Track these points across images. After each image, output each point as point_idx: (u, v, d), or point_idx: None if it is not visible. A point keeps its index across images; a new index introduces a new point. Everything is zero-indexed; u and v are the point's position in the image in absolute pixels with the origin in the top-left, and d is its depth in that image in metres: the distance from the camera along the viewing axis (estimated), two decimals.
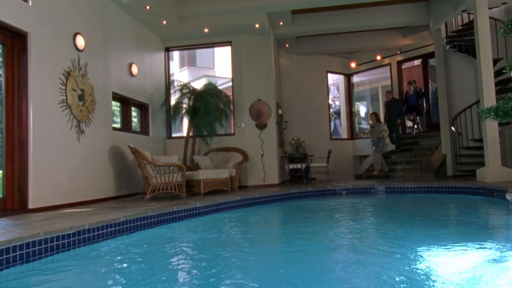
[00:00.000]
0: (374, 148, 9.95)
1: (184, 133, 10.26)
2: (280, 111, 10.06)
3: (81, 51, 6.38)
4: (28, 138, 5.25)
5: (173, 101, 9.47)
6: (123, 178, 7.50)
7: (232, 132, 9.59)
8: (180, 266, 3.34)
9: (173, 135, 9.85)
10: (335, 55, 12.83)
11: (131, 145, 7.05)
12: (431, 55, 10.94)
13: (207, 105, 8.50)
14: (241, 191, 8.22)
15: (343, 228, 4.93)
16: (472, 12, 8.14)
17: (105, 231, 4.37)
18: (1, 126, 5.18)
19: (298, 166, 9.81)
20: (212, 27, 9.04)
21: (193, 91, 8.89)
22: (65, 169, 5.90)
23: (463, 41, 8.70)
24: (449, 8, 8.77)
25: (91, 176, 6.52)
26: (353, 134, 13.23)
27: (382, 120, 10.79)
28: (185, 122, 9.38)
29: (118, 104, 7.93)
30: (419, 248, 3.39)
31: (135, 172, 7.95)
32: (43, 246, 3.59)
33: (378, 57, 12.05)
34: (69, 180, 6.00)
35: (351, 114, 13.28)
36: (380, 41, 11.57)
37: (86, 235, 4.10)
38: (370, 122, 10.27)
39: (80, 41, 6.35)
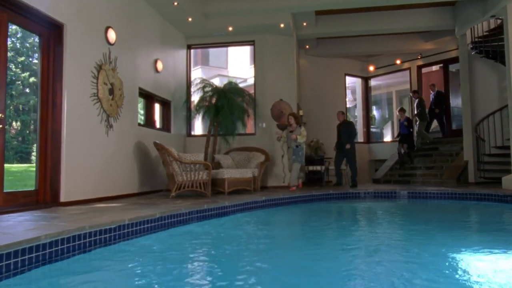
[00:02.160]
0: (293, 157, 8.21)
1: (203, 131, 10.24)
2: (301, 112, 9.98)
3: (112, 45, 6.32)
4: (61, 131, 5.19)
5: (194, 98, 9.41)
6: (146, 174, 7.44)
7: (253, 131, 9.52)
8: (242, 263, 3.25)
9: (192, 133, 9.80)
10: (354, 58, 12.77)
11: (158, 141, 6.99)
12: (453, 60, 10.87)
13: (231, 103, 8.44)
14: (263, 191, 8.14)
15: (385, 232, 4.84)
16: (501, 17, 8.06)
17: (142, 226, 4.31)
18: (36, 117, 5.13)
19: (318, 168, 9.73)
20: (236, 25, 8.99)
21: (217, 89, 8.82)
22: (94, 164, 5.84)
23: (490, 46, 8.61)
24: (477, 13, 8.70)
25: (117, 171, 6.46)
26: (369, 138, 13.15)
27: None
28: (205, 120, 9.31)
29: (142, 99, 7.87)
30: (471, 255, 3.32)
31: (157, 169, 7.89)
32: (87, 239, 3.53)
33: (398, 61, 11.98)
34: (98, 174, 5.94)
35: (368, 118, 13.20)
36: (401, 45, 11.50)
37: (126, 230, 4.04)
38: (290, 123, 8.34)
39: (112, 35, 6.30)
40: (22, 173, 5.85)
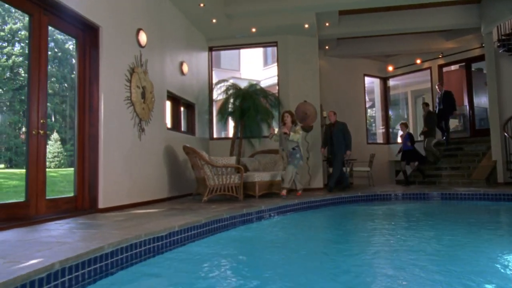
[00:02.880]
0: (290, 160, 7.30)
1: (224, 134, 10.11)
2: (324, 114, 9.85)
3: (143, 47, 6.21)
4: (99, 135, 5.07)
5: (216, 101, 9.30)
6: (174, 178, 7.31)
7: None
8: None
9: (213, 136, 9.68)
10: (372, 58, 12.63)
11: (188, 145, 6.87)
12: (476, 59, 10.71)
13: (256, 105, 8.31)
14: (291, 195, 7.99)
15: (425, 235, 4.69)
16: None
17: (191, 233, 4.18)
18: (74, 121, 5.02)
19: (343, 169, 9.57)
20: (260, 26, 8.87)
21: (241, 91, 8.70)
22: (128, 168, 5.72)
23: None
24: (505, 10, 8.54)
25: (149, 176, 6.34)
26: (388, 138, 12.98)
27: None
28: (221, 123, 9.19)
29: (169, 102, 7.75)
30: None
31: (184, 173, 7.77)
32: (142, 248, 3.40)
33: (418, 61, 11.82)
34: (131, 179, 5.81)
35: (387, 118, 13.04)
36: (421, 44, 11.35)
37: (176, 237, 3.91)
38: (284, 123, 7.40)
39: (143, 37, 6.19)
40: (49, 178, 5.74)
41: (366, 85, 13.57)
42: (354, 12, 9.46)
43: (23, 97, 5.80)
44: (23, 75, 5.77)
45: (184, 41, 8.12)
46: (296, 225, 5.51)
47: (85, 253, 2.67)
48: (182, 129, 8.24)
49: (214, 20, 8.35)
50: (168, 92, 7.26)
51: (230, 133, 9.99)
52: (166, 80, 7.14)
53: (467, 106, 11.22)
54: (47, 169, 4.45)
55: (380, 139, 13.21)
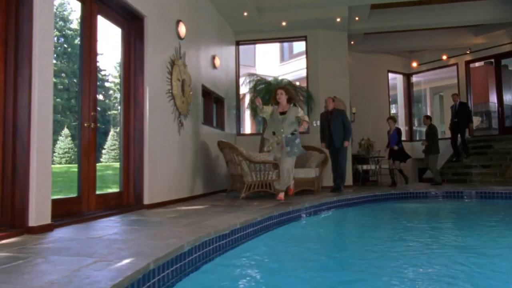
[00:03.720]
0: (288, 149, 5.66)
1: (249, 130, 9.94)
2: (353, 110, 9.66)
3: (182, 39, 6.04)
4: (144, 129, 4.91)
5: (244, 95, 9.13)
6: (208, 174, 7.15)
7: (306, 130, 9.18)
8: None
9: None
10: (396, 54, 12.41)
11: (223, 140, 6.70)
12: (505, 55, 10.49)
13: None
14: (324, 192, 7.82)
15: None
16: None
17: (249, 230, 4.03)
18: (119, 115, 4.85)
19: (373, 167, 9.41)
20: (290, 20, 8.67)
21: (271, 86, 8.50)
22: (169, 164, 5.55)
23: None
24: None
25: (187, 172, 6.18)
26: (411, 136, 12.78)
27: None
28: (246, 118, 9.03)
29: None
30: None
31: (216, 169, 7.60)
32: (212, 246, 3.24)
33: (444, 57, 11.59)
34: (172, 175, 5.65)
35: (410, 115, 12.83)
36: (448, 39, 11.11)
37: (238, 235, 3.75)
38: (279, 101, 5.79)
39: (182, 29, 6.01)
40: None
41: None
42: (386, 6, 9.24)
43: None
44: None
45: (215, 34, 7.94)
46: (346, 221, 5.40)
47: (172, 251, 2.51)
48: (214, 124, 8.07)
49: (245, 13, 8.16)
50: (202, 86, 7.09)
51: (247, 129, 9.82)
52: (201, 74, 6.97)
53: (496, 104, 10.99)
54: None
55: (403, 137, 12.97)
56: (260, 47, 17.64)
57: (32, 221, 3.06)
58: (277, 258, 3.39)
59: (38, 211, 3.10)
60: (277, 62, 17.86)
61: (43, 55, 3.20)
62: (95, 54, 4.26)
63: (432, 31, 10.88)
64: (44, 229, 3.13)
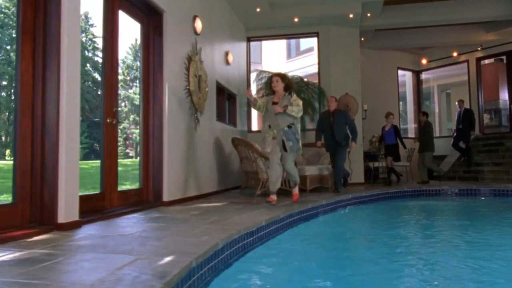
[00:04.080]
0: (290, 143, 5.00)
1: (257, 127, 9.86)
2: (365, 107, 9.61)
3: (198, 35, 5.99)
4: (163, 126, 4.87)
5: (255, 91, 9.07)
6: (222, 171, 7.12)
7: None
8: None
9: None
10: (406, 50, 12.33)
11: (238, 137, 6.66)
12: None
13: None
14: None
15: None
16: None
17: (273, 227, 3.99)
18: (139, 111, 4.81)
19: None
20: (302, 16, 8.61)
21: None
22: (186, 160, 5.52)
23: None
24: None
25: (202, 168, 6.15)
26: (421, 133, 12.68)
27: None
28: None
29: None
30: None
31: (229, 166, 7.57)
32: (240, 243, 3.20)
33: (455, 54, 11.51)
34: (190, 172, 5.62)
35: (419, 113, 12.74)
36: (460, 36, 11.02)
37: (263, 232, 3.72)
38: (276, 89, 5.14)
39: (199, 25, 5.96)
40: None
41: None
42: (398, 2, 9.17)
43: None
44: None
45: (228, 30, 7.89)
46: (364, 218, 5.38)
47: (209, 249, 2.48)
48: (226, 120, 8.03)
49: (258, 9, 8.10)
50: (216, 82, 7.04)
51: (255, 126, 9.77)
52: (215, 70, 6.92)
53: (507, 101, 10.92)
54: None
55: (411, 134, 12.92)
56: (266, 44, 17.60)
57: (61, 218, 3.02)
58: (305, 256, 3.35)
59: (67, 208, 3.07)
60: (284, 58, 17.80)
61: (71, 49, 3.16)
62: (116, 49, 4.22)
63: (443, 27, 10.78)
64: (73, 226, 3.10)
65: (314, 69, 11.85)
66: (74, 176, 3.17)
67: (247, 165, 6.76)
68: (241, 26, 8.90)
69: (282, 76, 5.20)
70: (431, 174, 9.33)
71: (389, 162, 8.76)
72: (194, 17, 5.86)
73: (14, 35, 3.11)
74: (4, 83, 3.58)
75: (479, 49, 11.17)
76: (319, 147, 7.14)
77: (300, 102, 5.06)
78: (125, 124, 5.97)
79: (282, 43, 17.69)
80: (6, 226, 2.80)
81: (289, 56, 17.69)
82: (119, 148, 5.54)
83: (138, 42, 4.94)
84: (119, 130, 4.30)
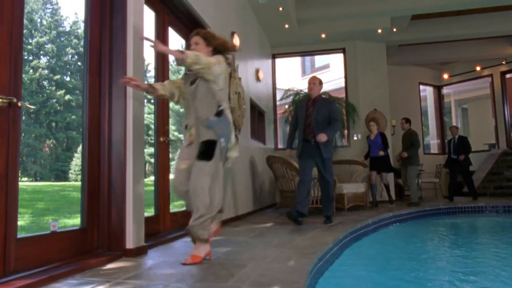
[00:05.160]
0: (222, 138, 3.19)
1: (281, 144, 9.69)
2: (393, 122, 9.43)
3: (235, 51, 5.86)
4: None
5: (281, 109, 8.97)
6: (256, 190, 6.92)
7: (346, 143, 8.97)
8: None
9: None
10: (427, 65, 12.23)
11: (274, 155, 6.49)
12: None
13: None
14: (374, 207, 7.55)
15: None
16: None
17: (335, 248, 3.78)
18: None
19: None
20: (329, 32, 8.54)
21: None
22: (228, 180, 5.32)
23: None
24: None
25: (242, 188, 5.97)
26: (443, 149, 12.49)
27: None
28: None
29: None
30: None
31: (263, 184, 7.37)
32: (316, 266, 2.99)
33: (478, 68, 11.38)
34: (232, 191, 5.42)
35: (442, 128, 12.58)
36: (483, 50, 10.91)
37: (329, 254, 3.51)
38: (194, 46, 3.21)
39: (236, 41, 5.86)
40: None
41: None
42: (425, 17, 9.10)
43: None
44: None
45: (258, 48, 7.81)
46: (410, 236, 5.12)
47: (306, 275, 2.27)
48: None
49: (286, 26, 8.03)
50: (250, 99, 6.92)
51: (280, 144, 9.60)
52: (249, 87, 6.80)
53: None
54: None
55: (434, 150, 12.71)
56: (280, 61, 17.63)
57: (130, 243, 2.83)
58: (379, 275, 3.13)
59: (135, 232, 2.87)
60: (299, 75, 17.74)
61: (136, 64, 3.02)
62: (167, 66, 4.09)
63: (466, 42, 10.68)
64: (140, 252, 2.90)
65: (331, 85, 11.78)
66: (140, 197, 2.99)
67: (284, 183, 6.56)
68: (267, 43, 8.83)
69: (200, 32, 3.22)
70: (473, 190, 8.24)
71: (385, 178, 7.77)
72: (233, 34, 5.77)
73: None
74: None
75: (503, 63, 11.04)
76: (289, 156, 5.39)
77: (223, 62, 3.12)
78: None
79: (296, 60, 17.67)
80: (76, 252, 2.60)
81: (304, 73, 17.63)
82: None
83: None
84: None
